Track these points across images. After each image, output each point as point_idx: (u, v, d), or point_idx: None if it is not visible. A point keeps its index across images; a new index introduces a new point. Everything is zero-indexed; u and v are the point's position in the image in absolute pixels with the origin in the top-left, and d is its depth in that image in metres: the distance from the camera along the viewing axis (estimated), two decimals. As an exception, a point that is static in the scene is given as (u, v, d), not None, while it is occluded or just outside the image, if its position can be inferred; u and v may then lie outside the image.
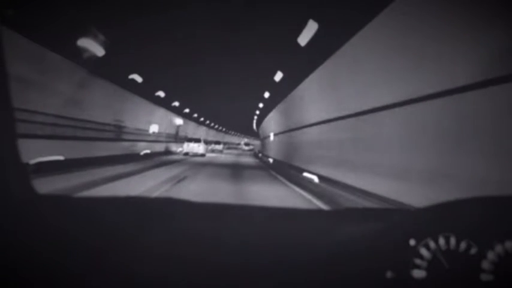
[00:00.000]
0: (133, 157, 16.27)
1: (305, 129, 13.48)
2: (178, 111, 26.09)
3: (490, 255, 0.73)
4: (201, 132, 40.06)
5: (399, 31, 5.27)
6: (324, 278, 0.77)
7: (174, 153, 25.72)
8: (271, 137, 25.47)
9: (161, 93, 18.64)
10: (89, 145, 12.17)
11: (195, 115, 32.76)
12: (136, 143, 18.45)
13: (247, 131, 57.49)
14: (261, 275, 0.79)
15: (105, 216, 1.00)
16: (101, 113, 13.40)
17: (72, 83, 10.17)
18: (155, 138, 22.53)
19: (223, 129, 59.44)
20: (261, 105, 22.89)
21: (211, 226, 1.00)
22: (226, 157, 25.97)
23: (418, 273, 0.75)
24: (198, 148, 23.96)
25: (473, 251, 0.74)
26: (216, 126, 51.86)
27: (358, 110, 7.63)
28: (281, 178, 11.78)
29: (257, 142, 49.41)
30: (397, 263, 0.75)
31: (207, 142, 32.13)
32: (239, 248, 0.87)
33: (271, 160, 22.32)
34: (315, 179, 10.43)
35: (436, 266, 0.74)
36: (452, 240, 0.75)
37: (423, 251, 0.76)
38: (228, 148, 52.76)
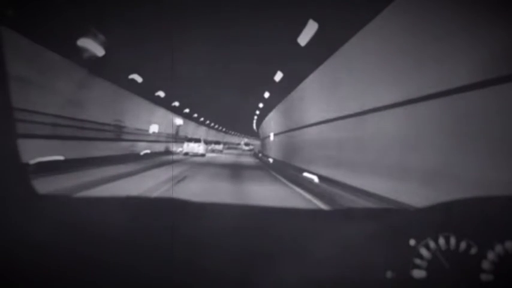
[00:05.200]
0: (133, 157, 16.26)
1: (305, 129, 13.47)
2: (178, 111, 26.08)
3: (490, 255, 0.73)
4: (201, 132, 40.04)
5: (399, 31, 5.27)
6: (324, 277, 0.77)
7: (174, 153, 25.71)
8: (271, 137, 25.46)
9: (161, 93, 18.64)
10: (89, 145, 12.16)
11: (195, 115, 32.75)
12: (136, 143, 18.44)
13: (247, 131, 57.45)
14: (261, 273, 0.79)
15: (105, 216, 1.00)
16: (101, 113, 13.40)
17: (72, 82, 10.17)
18: (155, 138, 22.52)
19: (223, 129, 59.42)
20: (261, 105, 22.88)
21: (211, 225, 1.00)
22: (226, 157, 25.97)
23: (418, 273, 0.75)
24: (198, 148, 23.95)
25: (473, 251, 0.74)
26: (216, 126, 51.84)
27: (358, 110, 7.63)
28: (281, 178, 11.78)
29: (257, 142, 49.38)
30: (397, 263, 0.75)
31: (207, 142, 32.11)
32: (239, 246, 0.87)
33: (271, 160, 22.32)
34: (315, 179, 10.42)
35: (436, 266, 0.74)
36: (452, 240, 0.75)
37: (423, 251, 0.76)
38: (228, 148, 52.74)
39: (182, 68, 13.98)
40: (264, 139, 34.42)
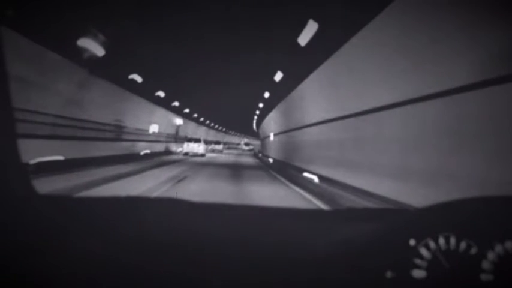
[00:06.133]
0: (133, 157, 16.27)
1: (305, 129, 13.47)
2: (178, 111, 26.08)
3: (490, 255, 0.73)
4: (201, 132, 40.03)
5: (399, 31, 5.27)
6: (324, 277, 0.77)
7: (174, 153, 25.72)
8: (271, 137, 25.46)
9: (161, 93, 18.63)
10: (89, 145, 12.17)
11: (195, 115, 32.74)
12: (136, 143, 18.44)
13: (247, 131, 57.45)
14: (260, 273, 0.79)
15: (105, 216, 1.00)
16: (101, 113, 13.40)
17: (72, 83, 10.17)
18: (155, 138, 22.52)
19: (223, 129, 59.41)
20: (261, 105, 22.88)
21: (211, 225, 1.00)
22: (226, 157, 25.98)
23: (418, 273, 0.74)
24: (198, 148, 23.97)
25: (473, 251, 0.74)
26: (216, 126, 51.83)
27: (358, 110, 7.63)
28: (281, 178, 11.78)
29: (257, 142, 49.39)
30: (397, 263, 0.75)
31: (207, 142, 32.13)
32: (239, 247, 0.87)
33: (271, 160, 22.31)
34: (315, 179, 10.42)
35: (436, 266, 0.74)
36: (452, 240, 0.75)
37: (423, 251, 0.76)
38: (228, 148, 52.75)
39: (182, 67, 13.99)
40: (264, 139, 34.41)
